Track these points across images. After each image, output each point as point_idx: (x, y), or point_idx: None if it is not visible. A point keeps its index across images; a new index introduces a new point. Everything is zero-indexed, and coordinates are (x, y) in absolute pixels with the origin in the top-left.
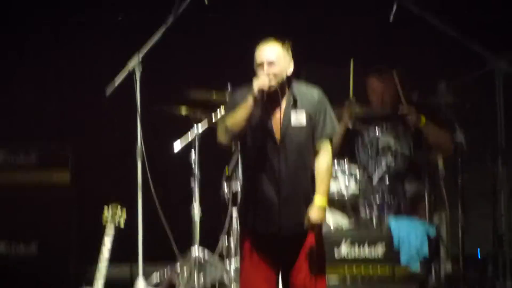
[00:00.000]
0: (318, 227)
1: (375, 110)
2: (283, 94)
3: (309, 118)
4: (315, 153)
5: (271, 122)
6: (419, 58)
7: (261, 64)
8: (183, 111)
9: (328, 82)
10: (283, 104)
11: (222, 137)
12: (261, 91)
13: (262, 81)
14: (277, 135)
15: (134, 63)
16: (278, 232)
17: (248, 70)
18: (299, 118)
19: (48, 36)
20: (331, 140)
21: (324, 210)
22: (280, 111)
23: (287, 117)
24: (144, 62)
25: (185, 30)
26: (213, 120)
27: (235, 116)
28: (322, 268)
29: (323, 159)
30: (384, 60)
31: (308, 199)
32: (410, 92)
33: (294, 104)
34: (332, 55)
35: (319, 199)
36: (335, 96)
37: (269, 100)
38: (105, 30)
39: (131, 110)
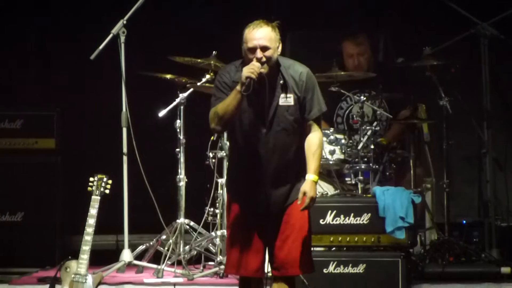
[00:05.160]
0: (312, 202)
1: (359, 75)
2: (272, 76)
3: (297, 99)
4: (304, 132)
5: (260, 103)
6: (403, 23)
7: (253, 48)
8: (168, 76)
9: (311, 46)
10: (272, 84)
11: (214, 125)
12: (249, 82)
13: (251, 69)
14: (266, 114)
15: (118, 26)
16: (265, 211)
17: (233, 34)
18: (287, 98)
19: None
20: (319, 119)
21: (316, 185)
22: (269, 92)
23: (275, 98)
24: (128, 26)
25: None
26: (198, 85)
27: (227, 103)
28: (307, 240)
29: (314, 137)
30: (368, 26)
31: (295, 178)
32: (395, 57)
33: (283, 85)
34: (315, 19)
35: (312, 175)
36: (318, 60)
37: (258, 81)
38: None
39: (116, 74)
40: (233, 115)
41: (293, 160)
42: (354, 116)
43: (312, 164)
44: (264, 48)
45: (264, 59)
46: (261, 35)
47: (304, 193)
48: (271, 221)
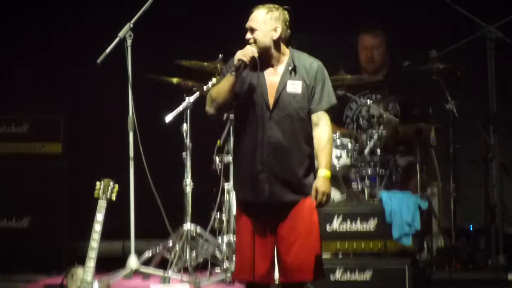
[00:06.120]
0: (327, 200)
1: (365, 79)
2: (281, 62)
3: (305, 87)
4: (312, 125)
5: (266, 88)
6: (410, 26)
7: (246, 30)
8: (175, 80)
9: (315, 49)
10: (281, 69)
11: (208, 107)
12: (240, 63)
13: (244, 52)
14: (271, 100)
15: (125, 30)
16: (267, 200)
17: (240, 39)
18: (295, 85)
19: (40, 5)
20: (328, 112)
21: (329, 181)
22: (276, 77)
23: (282, 83)
24: (135, 29)
25: None
26: (205, 90)
27: (219, 86)
28: (315, 245)
29: (323, 131)
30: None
31: (301, 171)
32: (401, 60)
33: (292, 71)
34: (322, 22)
35: (323, 171)
36: (325, 63)
37: (256, 68)
38: None
39: (122, 79)
40: (225, 99)
41: (298, 150)
42: (361, 119)
43: (322, 159)
44: (252, 29)
45: (251, 41)
46: (253, 16)
47: (316, 190)
48: (275, 217)
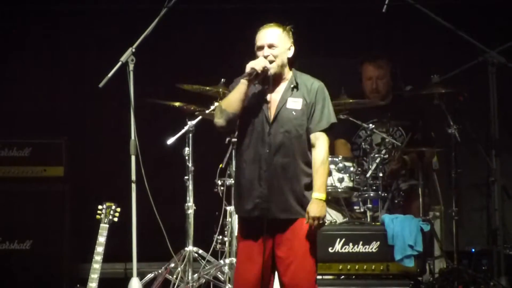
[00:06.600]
0: (319, 223)
1: (368, 103)
2: (281, 78)
3: (305, 104)
4: (310, 144)
5: (267, 104)
6: (411, 51)
7: (261, 47)
8: (177, 104)
9: (316, 74)
10: (282, 87)
11: (217, 118)
12: (252, 71)
13: (257, 62)
14: (271, 116)
15: (127, 54)
16: (263, 214)
17: (241, 64)
18: (295, 102)
19: (40, 28)
20: (326, 132)
21: (323, 204)
22: (278, 94)
23: (283, 100)
24: (137, 53)
25: (179, 22)
26: (207, 113)
27: (230, 96)
28: (311, 267)
29: (319, 152)
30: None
31: (295, 184)
32: (403, 85)
33: (293, 88)
34: (323, 46)
35: (317, 193)
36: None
37: (264, 81)
38: (98, 22)
39: (124, 103)
40: (236, 109)
41: (295, 167)
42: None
43: (316, 181)
44: (271, 46)
45: (271, 57)
46: (270, 33)
47: (308, 213)
48: (273, 236)
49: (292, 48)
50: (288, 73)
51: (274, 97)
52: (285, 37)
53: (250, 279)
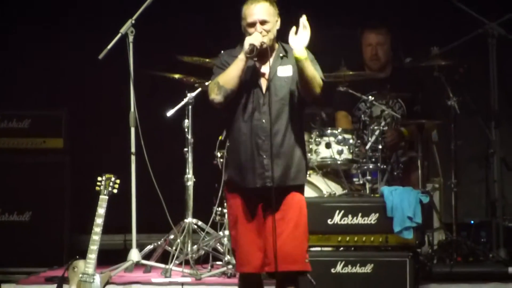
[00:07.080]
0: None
1: (368, 75)
2: (272, 50)
3: (295, 71)
4: (303, 113)
5: (259, 75)
6: (412, 22)
7: (253, 23)
8: (176, 76)
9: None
10: (271, 58)
11: (214, 95)
12: (253, 47)
13: (254, 37)
14: (264, 86)
15: (127, 26)
16: (263, 183)
17: (240, 34)
18: (286, 69)
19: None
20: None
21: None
22: (269, 64)
23: (274, 69)
24: (137, 25)
25: None
26: (206, 85)
27: (228, 72)
28: (302, 238)
29: None
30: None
31: (294, 151)
32: (403, 57)
33: (282, 57)
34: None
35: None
36: (326, 60)
37: (259, 55)
38: None
39: (124, 75)
40: (234, 84)
41: (292, 135)
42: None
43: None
44: (263, 22)
45: (264, 33)
46: (260, 9)
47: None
48: (266, 206)
49: (279, 21)
50: (275, 44)
51: (264, 69)
52: (273, 11)
53: (255, 264)
